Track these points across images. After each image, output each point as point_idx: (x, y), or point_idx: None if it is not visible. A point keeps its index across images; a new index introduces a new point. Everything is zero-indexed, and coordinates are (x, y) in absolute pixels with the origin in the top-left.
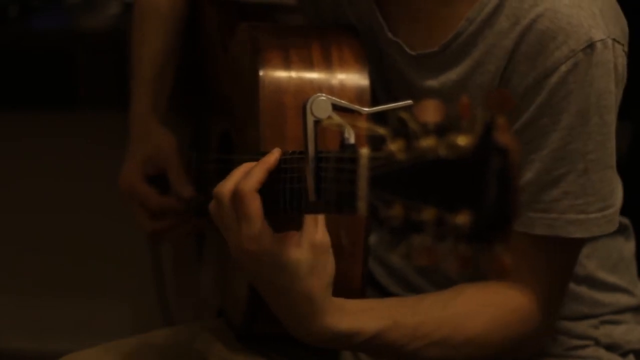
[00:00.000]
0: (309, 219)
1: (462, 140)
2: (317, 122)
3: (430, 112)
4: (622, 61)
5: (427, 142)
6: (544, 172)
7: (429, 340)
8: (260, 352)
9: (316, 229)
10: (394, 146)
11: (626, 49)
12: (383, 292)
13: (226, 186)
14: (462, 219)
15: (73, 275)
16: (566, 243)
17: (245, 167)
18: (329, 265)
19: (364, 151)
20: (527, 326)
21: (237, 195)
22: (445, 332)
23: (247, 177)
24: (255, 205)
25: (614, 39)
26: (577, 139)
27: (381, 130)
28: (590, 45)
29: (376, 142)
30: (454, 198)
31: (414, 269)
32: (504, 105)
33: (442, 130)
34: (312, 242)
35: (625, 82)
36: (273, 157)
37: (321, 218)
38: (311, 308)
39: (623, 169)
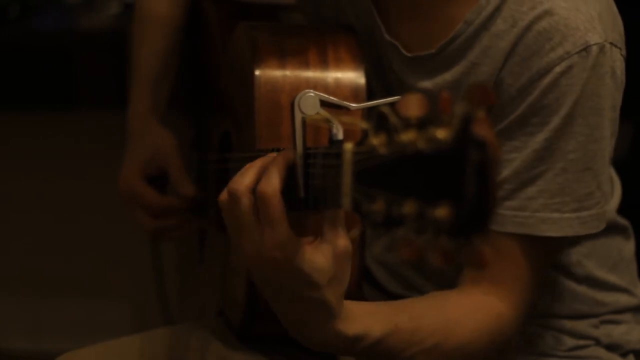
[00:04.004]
0: (328, 223)
1: (440, 134)
2: (305, 119)
3: (413, 106)
4: (621, 65)
5: (407, 136)
6: (524, 170)
7: (423, 346)
8: (259, 352)
9: (337, 235)
10: (376, 140)
11: (624, 52)
12: (382, 292)
13: (243, 182)
14: (442, 212)
15: (73, 275)
16: (539, 241)
17: (261, 162)
18: (348, 272)
19: (348, 146)
20: (506, 331)
21: (259, 199)
22: (437, 338)
23: (268, 178)
24: (280, 209)
25: (611, 43)
26: (560, 139)
27: (364, 125)
28: (586, 49)
29: (361, 137)
30: (434, 191)
31: (412, 268)
32: (483, 99)
33: (423, 124)
34: (336, 250)
35: (624, 85)
36: (290, 153)
37: (340, 222)
38: (326, 315)
39: (623, 169)
